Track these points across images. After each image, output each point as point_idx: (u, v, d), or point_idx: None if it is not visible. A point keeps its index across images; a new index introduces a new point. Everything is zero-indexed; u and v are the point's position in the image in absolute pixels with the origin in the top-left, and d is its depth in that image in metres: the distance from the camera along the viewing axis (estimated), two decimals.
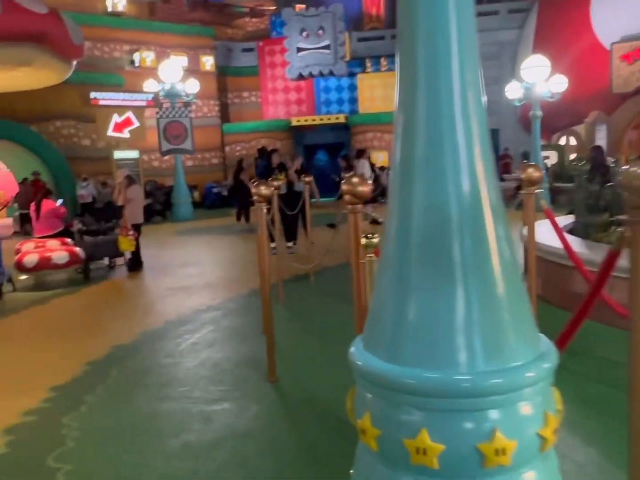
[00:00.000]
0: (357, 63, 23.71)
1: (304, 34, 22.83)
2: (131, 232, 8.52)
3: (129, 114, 16.98)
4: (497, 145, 21.69)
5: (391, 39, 25.08)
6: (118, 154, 17.11)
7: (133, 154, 17.31)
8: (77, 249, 8.26)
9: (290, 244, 9.65)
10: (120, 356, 4.65)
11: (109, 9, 21.97)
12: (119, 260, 9.08)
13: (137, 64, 20.58)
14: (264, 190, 3.67)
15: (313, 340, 4.80)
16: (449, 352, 1.70)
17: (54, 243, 9.02)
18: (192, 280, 7.82)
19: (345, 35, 23.32)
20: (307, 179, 7.32)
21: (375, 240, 2.51)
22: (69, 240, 9.30)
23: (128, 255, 8.91)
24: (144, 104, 17.40)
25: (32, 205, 9.78)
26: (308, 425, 3.27)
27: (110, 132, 16.99)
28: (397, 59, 1.82)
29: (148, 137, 18.64)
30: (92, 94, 16.50)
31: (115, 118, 16.93)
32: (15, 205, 16.17)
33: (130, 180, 9.14)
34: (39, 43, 7.60)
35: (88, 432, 3.31)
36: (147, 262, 9.14)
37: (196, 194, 20.84)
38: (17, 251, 9.04)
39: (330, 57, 22.84)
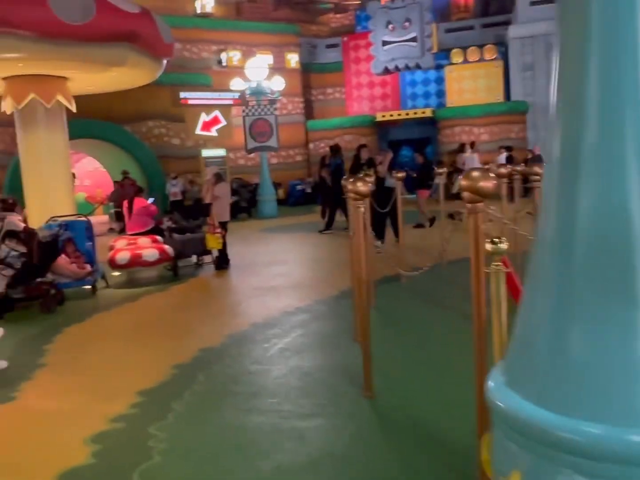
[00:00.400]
0: (445, 55, 22.85)
1: (390, 26, 22.28)
2: (218, 230, 8.47)
3: (217, 112, 17.21)
4: None
5: (481, 28, 24.03)
6: (206, 153, 17.41)
7: (220, 152, 17.56)
8: (167, 247, 8.31)
9: (377, 242, 9.27)
10: (207, 360, 4.48)
11: (198, 11, 22.49)
12: (207, 258, 9.08)
13: (224, 64, 20.91)
14: (361, 187, 3.33)
15: (412, 350, 4.41)
16: (627, 400, 1.28)
17: (144, 240, 9.15)
18: (278, 279, 7.63)
19: (433, 26, 22.54)
20: (399, 174, 6.90)
21: (503, 245, 2.10)
22: (159, 237, 9.43)
23: (215, 253, 8.89)
24: (230, 102, 17.58)
25: (125, 203, 10.01)
26: (411, 452, 2.90)
27: (198, 131, 17.30)
28: (558, 22, 1.43)
29: (234, 135, 18.86)
30: (182, 94, 16.85)
31: (203, 117, 17.20)
32: (111, 203, 16.81)
33: (218, 178, 9.13)
34: (131, 42, 7.68)
35: (175, 445, 3.12)
36: (233, 260, 9.08)
37: (280, 192, 20.89)
38: (111, 248, 9.26)
39: (416, 49, 22.15)
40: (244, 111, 17.67)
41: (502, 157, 17.93)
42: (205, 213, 8.87)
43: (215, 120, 17.38)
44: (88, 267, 7.60)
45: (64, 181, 8.93)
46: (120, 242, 9.20)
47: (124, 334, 5.52)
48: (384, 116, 22.70)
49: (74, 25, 6.95)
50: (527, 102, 21.43)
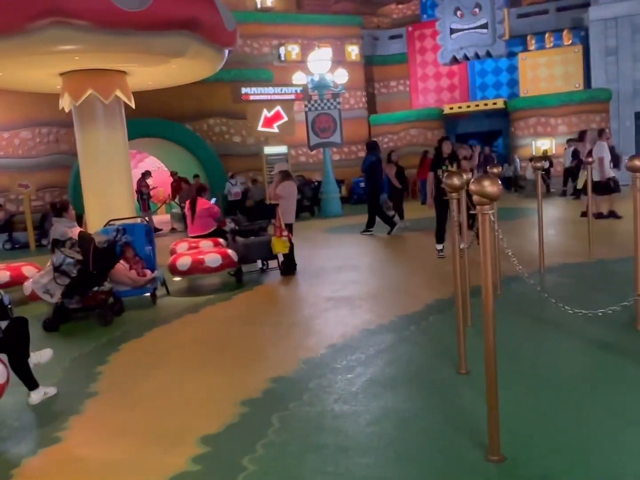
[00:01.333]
0: (517, 42, 21.43)
1: (459, 13, 21.08)
2: (285, 233, 7.79)
3: (278, 108, 16.61)
4: None
5: (556, 12, 22.41)
6: (268, 150, 16.87)
7: (282, 149, 16.97)
8: (230, 251, 7.69)
9: (440, 246, 8.34)
10: (281, 395, 3.75)
11: (258, 6, 22.00)
12: (272, 263, 8.42)
13: (282, 58, 20.33)
14: (489, 188, 2.50)
15: (540, 393, 3.52)
16: None
17: (206, 244, 8.62)
18: (352, 288, 6.86)
19: (505, 11, 21.16)
20: (495, 170, 5.95)
21: None
22: (221, 240, 8.87)
23: (281, 258, 8.22)
24: (292, 97, 16.95)
25: (187, 204, 9.51)
26: None
27: (260, 128, 16.76)
28: None
29: (296, 131, 18.25)
30: (243, 90, 16.35)
31: (265, 113, 16.64)
32: (183, 204, 16.46)
33: (284, 176, 8.43)
34: (192, 30, 7.06)
35: None
36: (299, 264, 8.39)
37: (343, 189, 20.16)
38: (172, 252, 8.78)
39: (487, 36, 20.86)
40: (306, 106, 17.01)
41: (569, 151, 16.33)
42: (271, 214, 8.21)
43: (277, 116, 16.79)
44: (148, 274, 7.08)
45: (123, 181, 8.47)
46: (181, 246, 8.71)
47: (184, 354, 4.89)
48: (451, 108, 21.53)
49: (131, 12, 6.39)
50: (610, 89, 19.75)
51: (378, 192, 11.65)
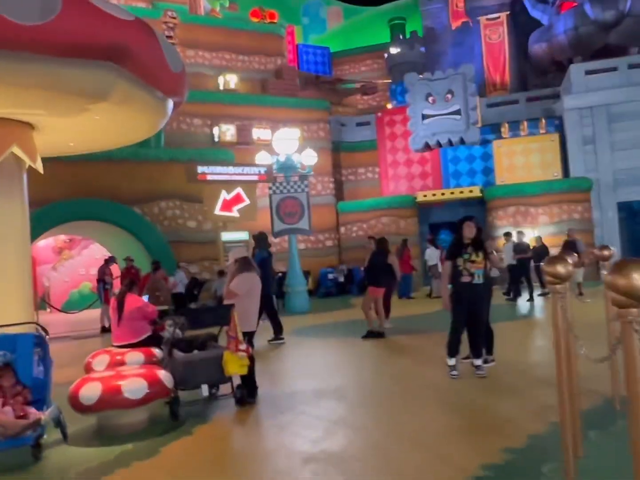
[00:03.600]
0: (489, 129, 20.65)
1: (430, 99, 20.23)
2: (243, 347, 5.49)
3: (239, 190, 14.75)
4: None
5: (526, 102, 22.00)
6: (226, 236, 14.80)
7: (242, 235, 14.93)
8: (162, 374, 5.31)
9: (479, 361, 6.16)
10: None
11: (221, 87, 20.76)
12: (224, 387, 6.06)
13: (217, 139, 18.77)
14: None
15: None
16: None
17: (134, 357, 6.30)
18: (341, 436, 4.54)
19: (477, 98, 20.49)
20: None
21: None
22: (157, 351, 6.55)
23: (237, 380, 5.88)
24: (255, 178, 15.16)
25: (112, 302, 7.22)
26: None
27: (217, 211, 14.78)
28: None
29: (258, 217, 16.35)
30: (200, 169, 14.49)
31: (224, 195, 14.73)
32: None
33: (242, 265, 6.27)
34: (118, 63, 5.01)
35: None
36: (262, 385, 6.09)
37: (310, 281, 18.11)
38: (87, 368, 6.41)
39: (461, 123, 19.95)
40: (270, 188, 15.19)
41: (509, 246, 14.47)
42: (224, 318, 5.93)
43: (238, 199, 14.90)
44: (32, 413, 4.64)
45: (18, 272, 6.10)
46: (101, 360, 6.37)
47: None
48: (425, 196, 20.17)
49: (27, 26, 4.34)
50: (591, 178, 18.81)
51: (270, 291, 9.99)
